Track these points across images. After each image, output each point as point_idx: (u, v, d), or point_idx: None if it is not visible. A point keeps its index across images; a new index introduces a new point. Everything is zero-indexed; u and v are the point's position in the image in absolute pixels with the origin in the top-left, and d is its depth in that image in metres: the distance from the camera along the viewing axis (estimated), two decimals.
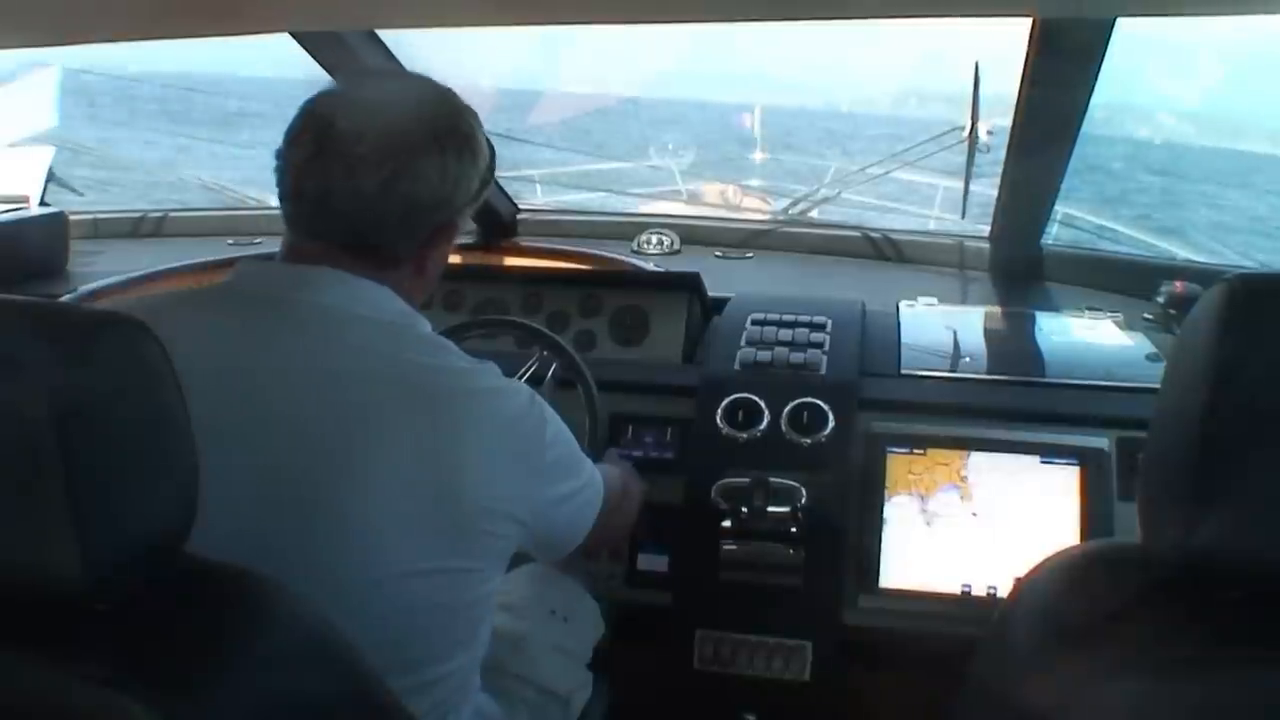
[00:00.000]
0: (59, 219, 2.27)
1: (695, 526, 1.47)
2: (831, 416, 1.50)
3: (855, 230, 2.37)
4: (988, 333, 1.80)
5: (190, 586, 0.67)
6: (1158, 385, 0.69)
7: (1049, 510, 1.42)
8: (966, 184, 2.23)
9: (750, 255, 2.34)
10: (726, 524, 1.44)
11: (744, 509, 1.42)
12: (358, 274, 0.94)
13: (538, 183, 3.46)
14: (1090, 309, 1.82)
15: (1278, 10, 1.02)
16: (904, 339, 1.69)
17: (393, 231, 0.95)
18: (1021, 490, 1.43)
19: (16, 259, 2.14)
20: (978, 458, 1.46)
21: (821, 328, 1.65)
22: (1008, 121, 1.78)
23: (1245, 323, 0.61)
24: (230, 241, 2.41)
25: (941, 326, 1.76)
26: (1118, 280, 2.02)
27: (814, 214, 2.64)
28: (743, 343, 1.64)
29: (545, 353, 1.51)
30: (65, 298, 1.93)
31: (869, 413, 1.52)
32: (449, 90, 1.01)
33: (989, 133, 2.08)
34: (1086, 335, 1.73)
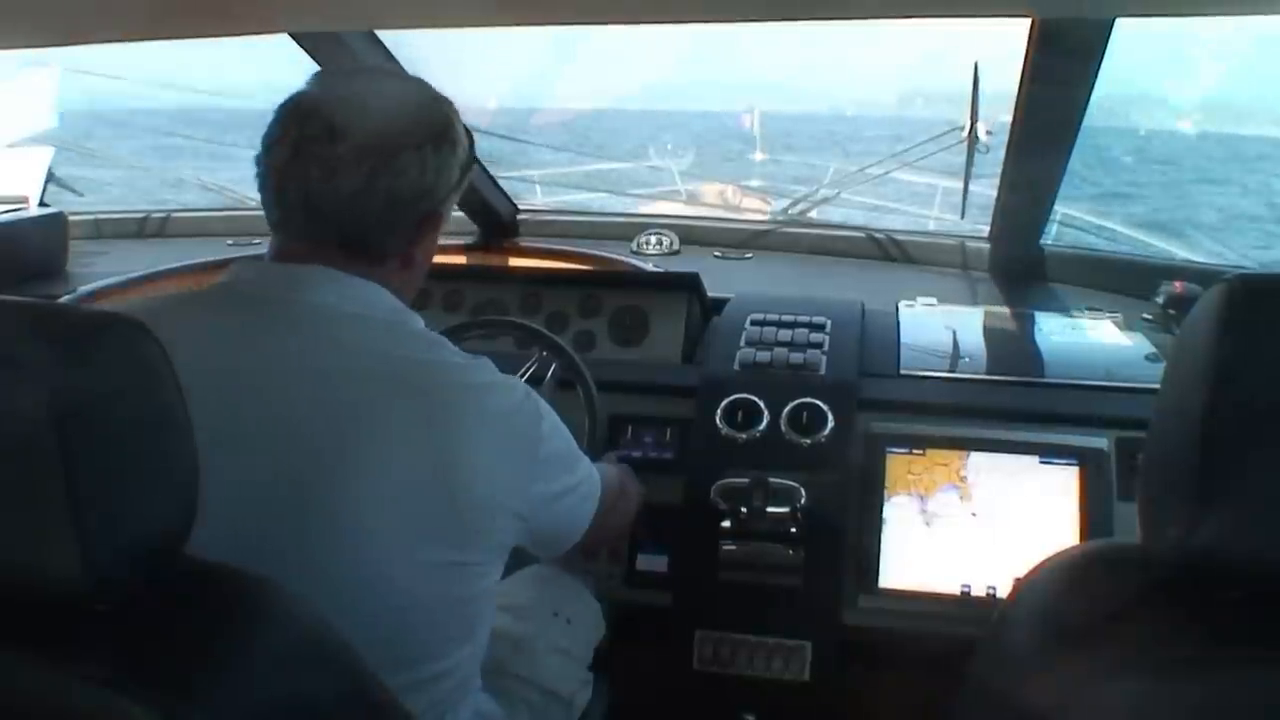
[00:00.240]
0: (58, 220, 2.27)
1: (695, 527, 1.47)
2: (831, 417, 1.50)
3: (859, 231, 2.37)
4: (987, 333, 1.80)
5: (189, 587, 0.67)
6: (1157, 385, 0.69)
7: (1048, 510, 1.42)
8: (966, 184, 2.23)
9: (750, 255, 2.34)
10: (726, 524, 1.44)
11: (743, 509, 1.42)
12: (347, 271, 0.94)
13: (537, 183, 3.46)
14: (1090, 309, 1.82)
15: (1278, 11, 1.02)
16: (903, 339, 1.69)
17: (377, 227, 0.95)
18: (1021, 490, 1.43)
19: (15, 260, 2.14)
20: (977, 458, 1.46)
21: (821, 328, 1.66)
22: (1009, 119, 1.78)
23: (1245, 323, 0.61)
24: (230, 242, 2.42)
25: (941, 327, 1.76)
26: (1117, 280, 2.02)
27: (813, 214, 2.64)
28: (742, 343, 1.64)
29: (545, 353, 1.51)
30: (64, 298, 1.93)
31: (868, 413, 1.52)
32: (422, 81, 1.02)
33: (988, 133, 2.08)
34: (1086, 335, 1.73)
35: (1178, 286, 1.76)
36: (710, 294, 1.80)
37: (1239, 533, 0.60)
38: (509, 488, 0.93)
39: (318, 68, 1.23)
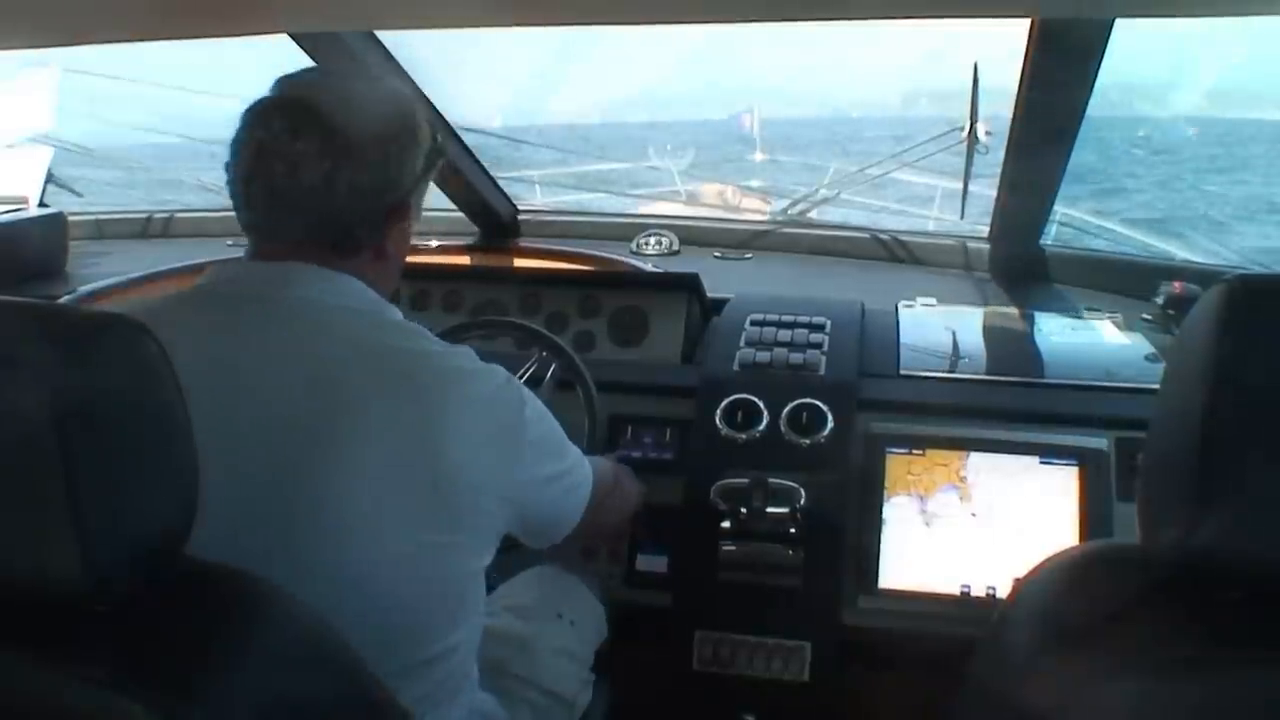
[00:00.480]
0: (58, 220, 2.28)
1: (694, 527, 1.47)
2: (831, 417, 1.50)
3: (859, 231, 2.37)
4: (987, 333, 1.80)
5: (189, 587, 0.67)
6: (1157, 385, 0.70)
7: (1048, 511, 1.42)
8: (965, 184, 2.22)
9: (749, 256, 2.34)
10: (726, 525, 1.44)
11: (743, 509, 1.42)
12: (323, 266, 0.96)
13: (537, 183, 3.46)
14: (1090, 309, 1.82)
15: (1278, 11, 1.02)
16: (903, 339, 1.69)
17: (344, 220, 0.96)
18: (1021, 491, 1.43)
19: (15, 260, 2.14)
20: (977, 458, 1.46)
21: (820, 328, 1.66)
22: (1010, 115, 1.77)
23: (1245, 323, 0.61)
24: (230, 242, 2.42)
25: (940, 327, 1.76)
26: (1117, 280, 2.02)
27: (813, 215, 2.64)
28: (742, 343, 1.64)
29: (544, 353, 1.51)
30: (64, 299, 1.93)
31: (868, 413, 1.52)
32: (385, 80, 1.04)
33: (988, 133, 2.08)
34: (1086, 335, 1.73)
35: (1177, 287, 1.76)
36: (710, 294, 1.80)
37: (1239, 533, 0.60)
38: (493, 471, 0.94)
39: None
